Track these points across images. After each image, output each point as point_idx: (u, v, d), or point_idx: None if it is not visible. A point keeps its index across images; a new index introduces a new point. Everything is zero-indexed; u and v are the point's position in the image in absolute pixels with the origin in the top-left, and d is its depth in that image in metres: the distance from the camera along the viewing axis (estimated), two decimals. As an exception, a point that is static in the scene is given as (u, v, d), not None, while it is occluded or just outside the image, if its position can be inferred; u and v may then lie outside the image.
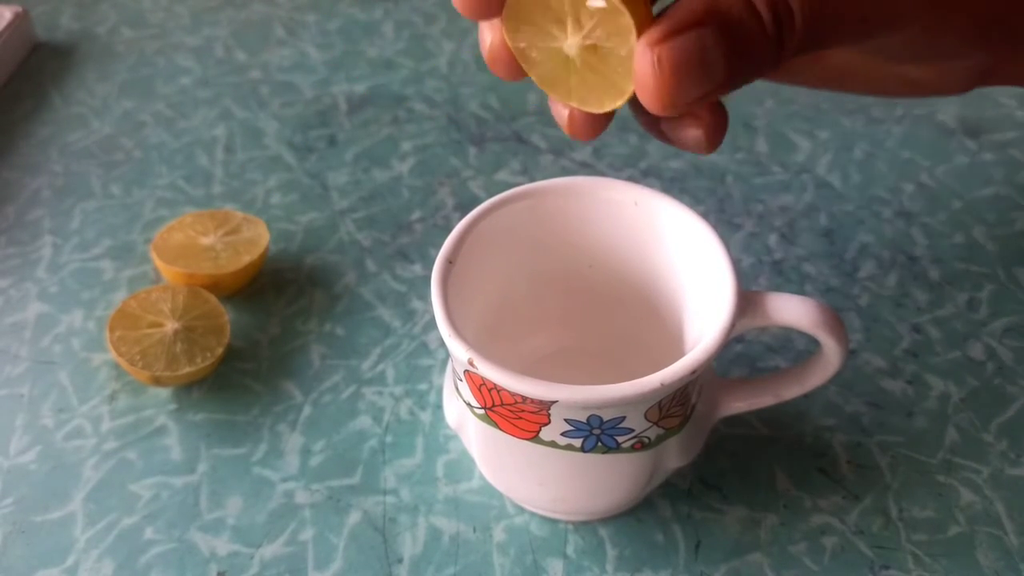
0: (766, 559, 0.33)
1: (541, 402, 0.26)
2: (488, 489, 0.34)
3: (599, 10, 0.23)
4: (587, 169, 0.47)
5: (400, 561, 0.33)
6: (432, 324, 0.40)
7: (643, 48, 0.23)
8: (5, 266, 0.43)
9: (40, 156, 0.49)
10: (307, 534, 0.33)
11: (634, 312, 0.35)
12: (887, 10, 0.25)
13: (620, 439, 0.28)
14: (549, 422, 0.27)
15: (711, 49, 0.23)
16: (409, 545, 0.33)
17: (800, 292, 0.41)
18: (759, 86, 0.37)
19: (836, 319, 0.29)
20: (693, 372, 0.26)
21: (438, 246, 0.33)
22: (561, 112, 0.27)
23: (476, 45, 0.56)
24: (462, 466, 0.35)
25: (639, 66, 0.23)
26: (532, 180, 0.32)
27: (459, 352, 0.27)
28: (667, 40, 0.23)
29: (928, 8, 0.25)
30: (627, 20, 0.23)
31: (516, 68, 0.26)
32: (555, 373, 0.27)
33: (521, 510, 0.34)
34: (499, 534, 0.33)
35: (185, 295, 0.39)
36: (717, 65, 0.23)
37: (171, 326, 0.38)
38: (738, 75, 0.24)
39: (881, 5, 0.25)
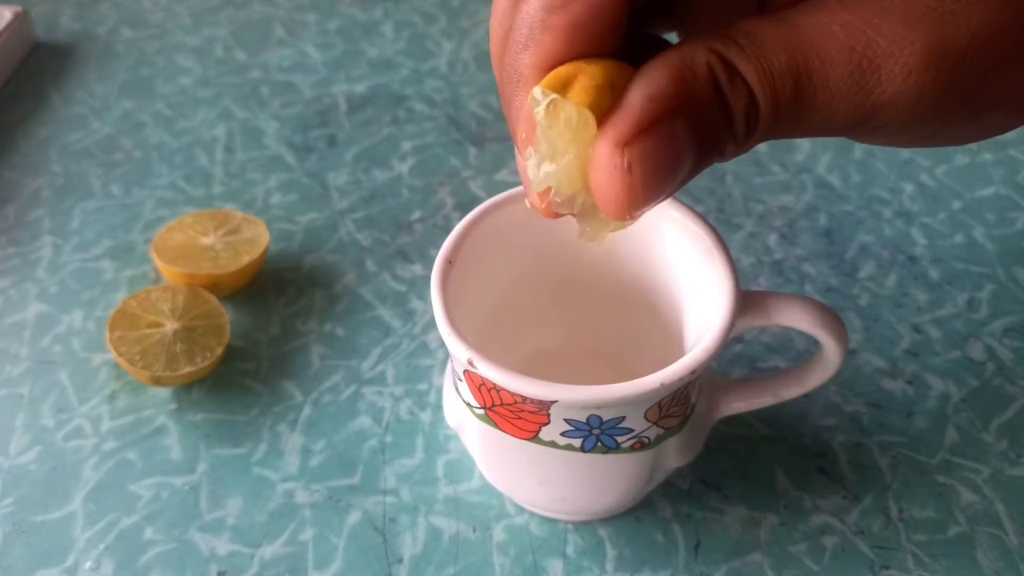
0: (766, 559, 0.33)
1: (541, 402, 0.26)
2: (488, 489, 0.34)
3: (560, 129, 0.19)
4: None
5: (400, 561, 0.33)
6: (432, 324, 0.40)
7: (608, 148, 0.19)
8: (5, 266, 0.43)
9: (40, 156, 0.49)
10: (307, 534, 0.33)
11: (634, 312, 0.35)
12: (878, 120, 0.21)
13: (620, 439, 0.28)
14: (549, 422, 0.27)
15: (683, 144, 0.20)
16: (409, 545, 0.33)
17: (800, 292, 0.41)
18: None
19: (836, 319, 0.29)
20: (693, 372, 0.26)
21: (438, 246, 0.33)
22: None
23: (476, 45, 0.56)
24: (462, 466, 0.35)
25: (601, 171, 0.19)
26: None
27: (459, 352, 0.27)
28: (639, 138, 0.19)
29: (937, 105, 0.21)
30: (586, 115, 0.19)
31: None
32: (555, 373, 0.27)
33: (521, 510, 0.34)
34: (499, 534, 0.33)
35: (185, 295, 0.39)
36: (687, 162, 0.20)
37: (171, 326, 0.38)
38: (697, 172, 0.21)
39: (871, 117, 0.21)
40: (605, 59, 0.20)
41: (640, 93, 0.20)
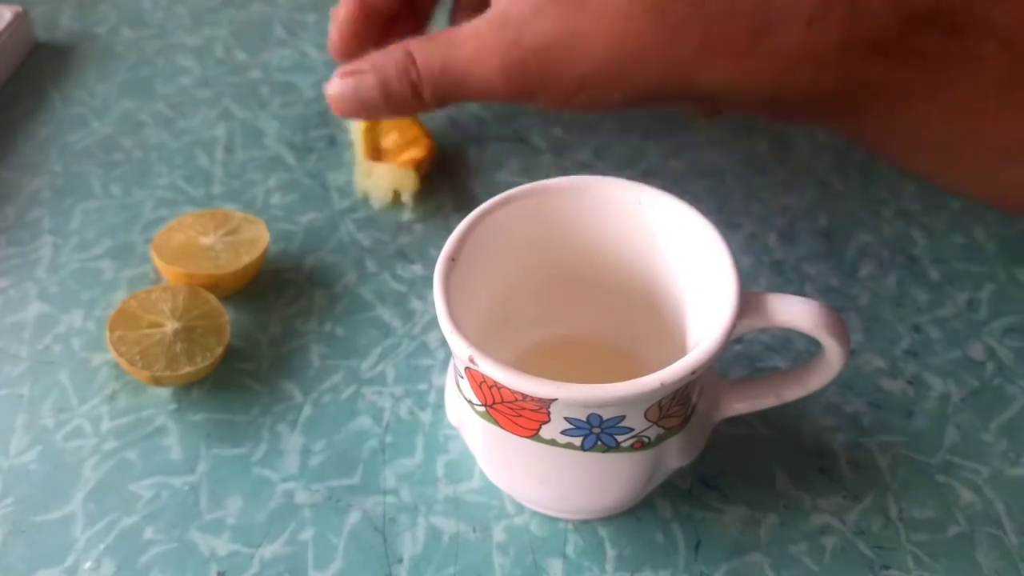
0: (766, 559, 0.33)
1: (541, 400, 0.26)
2: (488, 489, 0.34)
3: None
4: (587, 169, 0.47)
5: (400, 561, 0.33)
6: (432, 324, 0.40)
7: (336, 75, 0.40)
8: (5, 266, 0.43)
9: (40, 156, 0.49)
10: (307, 534, 0.33)
11: (636, 312, 0.35)
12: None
13: (620, 438, 0.28)
14: (549, 420, 0.27)
15: (370, 86, 0.38)
16: (409, 545, 0.33)
17: (800, 292, 0.41)
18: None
19: (838, 321, 0.29)
20: (693, 372, 0.26)
21: (438, 246, 0.33)
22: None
23: (476, 45, 0.56)
24: (462, 466, 0.35)
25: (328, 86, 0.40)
26: (532, 180, 0.32)
27: (460, 349, 0.27)
28: (341, 77, 0.40)
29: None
30: None
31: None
32: (556, 372, 0.27)
33: (521, 510, 0.34)
34: (499, 534, 0.33)
35: (185, 295, 0.39)
36: (375, 98, 0.39)
37: (171, 326, 0.38)
38: (393, 112, 0.39)
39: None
40: None
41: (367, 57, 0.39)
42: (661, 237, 0.32)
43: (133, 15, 0.59)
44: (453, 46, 0.36)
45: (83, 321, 0.41)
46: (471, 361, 0.26)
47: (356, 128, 0.47)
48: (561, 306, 0.36)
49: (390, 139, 0.47)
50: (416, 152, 0.46)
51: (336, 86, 0.39)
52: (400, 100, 0.38)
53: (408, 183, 0.45)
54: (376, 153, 0.46)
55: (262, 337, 0.40)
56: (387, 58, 0.37)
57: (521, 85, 0.35)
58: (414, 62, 0.37)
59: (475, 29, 0.35)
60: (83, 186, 0.47)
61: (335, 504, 0.34)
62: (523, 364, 0.27)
